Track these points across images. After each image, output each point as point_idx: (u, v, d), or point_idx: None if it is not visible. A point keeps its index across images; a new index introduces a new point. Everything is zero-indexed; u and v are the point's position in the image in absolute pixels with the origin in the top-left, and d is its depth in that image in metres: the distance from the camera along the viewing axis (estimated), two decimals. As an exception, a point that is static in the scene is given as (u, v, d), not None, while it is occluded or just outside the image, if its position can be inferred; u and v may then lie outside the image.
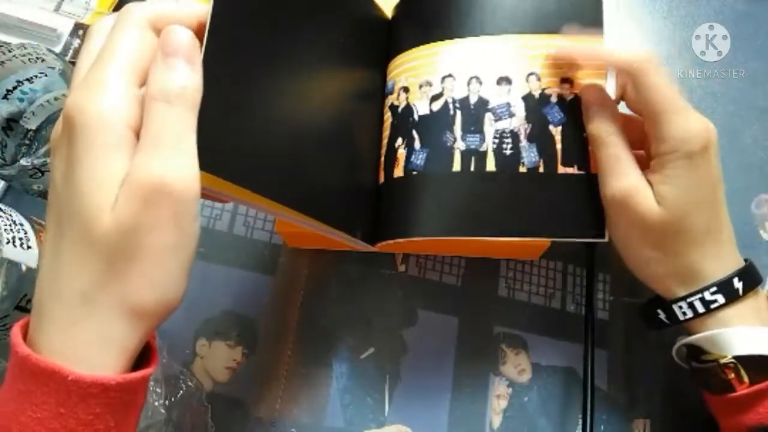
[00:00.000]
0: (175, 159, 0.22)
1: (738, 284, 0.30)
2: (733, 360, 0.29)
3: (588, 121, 0.32)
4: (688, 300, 0.31)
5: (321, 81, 0.32)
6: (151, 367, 0.24)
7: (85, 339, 0.22)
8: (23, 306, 0.36)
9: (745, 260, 0.32)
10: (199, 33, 0.24)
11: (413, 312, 0.41)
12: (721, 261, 0.31)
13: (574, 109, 0.33)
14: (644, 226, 0.30)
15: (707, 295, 0.30)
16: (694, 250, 0.30)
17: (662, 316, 0.32)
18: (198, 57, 0.23)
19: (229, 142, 0.25)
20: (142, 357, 0.24)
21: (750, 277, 0.30)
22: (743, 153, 0.44)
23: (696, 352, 0.32)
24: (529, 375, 0.39)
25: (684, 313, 0.31)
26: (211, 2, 0.24)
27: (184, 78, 0.22)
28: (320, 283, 0.42)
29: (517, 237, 0.32)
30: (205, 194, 0.25)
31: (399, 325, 0.41)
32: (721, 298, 0.30)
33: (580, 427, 0.37)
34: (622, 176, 0.30)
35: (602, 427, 0.37)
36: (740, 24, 0.47)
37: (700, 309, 0.30)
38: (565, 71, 0.33)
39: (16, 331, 0.23)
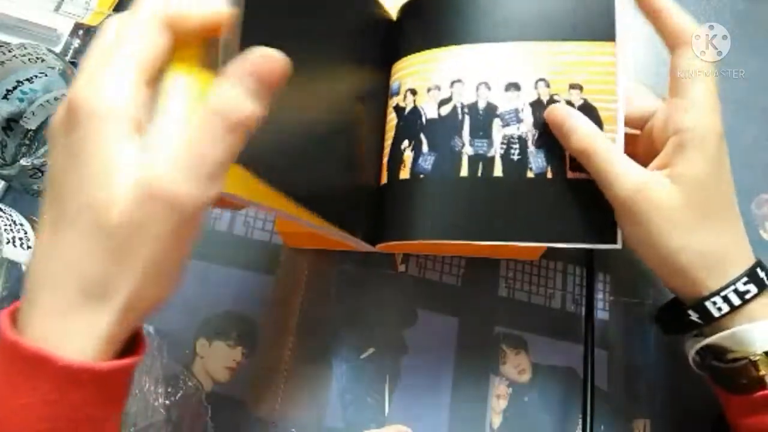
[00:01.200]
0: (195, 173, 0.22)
1: (762, 274, 0.30)
2: (763, 356, 0.29)
3: (567, 138, 0.31)
4: (722, 293, 0.29)
5: (324, 79, 0.32)
6: (139, 356, 0.24)
7: (75, 328, 0.22)
8: (23, 306, 0.36)
9: None
10: (210, 34, 0.23)
11: (413, 312, 0.41)
12: (740, 244, 0.31)
13: (584, 115, 0.32)
14: (670, 212, 0.30)
15: (740, 286, 0.29)
16: (724, 227, 0.30)
17: (694, 316, 0.31)
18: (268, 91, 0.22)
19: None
20: (130, 346, 0.25)
21: (765, 268, 0.30)
22: (743, 153, 0.43)
23: (718, 352, 0.31)
24: (529, 375, 0.39)
25: (719, 309, 0.30)
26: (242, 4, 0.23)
27: (254, 108, 0.22)
28: (320, 283, 0.42)
29: (526, 243, 0.32)
30: (220, 203, 0.25)
31: (399, 325, 0.41)
32: (753, 288, 0.29)
33: (580, 427, 0.37)
34: (630, 171, 0.30)
35: (602, 427, 0.37)
36: (740, 24, 0.47)
37: (736, 301, 0.29)
38: (573, 77, 0.33)
39: (4, 317, 0.23)
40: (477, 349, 0.40)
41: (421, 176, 0.34)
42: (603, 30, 0.33)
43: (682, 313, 0.31)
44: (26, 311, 0.23)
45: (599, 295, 0.41)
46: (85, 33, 0.48)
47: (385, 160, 0.36)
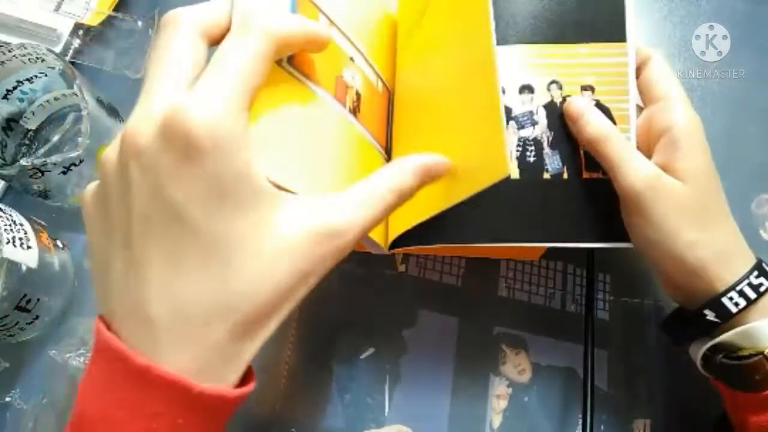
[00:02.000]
0: (352, 207, 0.23)
1: (767, 267, 0.30)
2: None
3: (584, 127, 0.32)
4: (738, 288, 0.29)
5: None
6: (254, 381, 0.24)
7: (218, 362, 0.22)
8: (23, 306, 0.36)
9: None
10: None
11: (413, 312, 0.41)
12: (740, 237, 0.31)
13: None
14: (683, 204, 0.30)
15: (753, 280, 0.29)
16: (726, 220, 0.31)
17: (711, 316, 0.30)
18: None
19: None
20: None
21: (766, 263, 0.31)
22: (743, 153, 0.43)
23: (728, 350, 0.30)
24: (529, 375, 0.39)
25: (736, 304, 0.29)
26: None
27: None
28: (320, 283, 0.42)
29: (544, 243, 0.32)
30: None
31: (399, 325, 0.41)
32: (765, 282, 0.29)
33: (580, 427, 0.37)
34: (643, 165, 0.30)
35: (602, 427, 0.37)
36: (740, 24, 0.47)
37: (752, 295, 0.29)
38: (584, 79, 0.33)
39: (113, 337, 0.21)
40: (477, 349, 0.40)
41: None
42: (614, 30, 0.33)
43: (694, 317, 0.31)
44: (151, 343, 0.21)
45: (599, 295, 0.41)
46: (85, 33, 0.48)
47: None
